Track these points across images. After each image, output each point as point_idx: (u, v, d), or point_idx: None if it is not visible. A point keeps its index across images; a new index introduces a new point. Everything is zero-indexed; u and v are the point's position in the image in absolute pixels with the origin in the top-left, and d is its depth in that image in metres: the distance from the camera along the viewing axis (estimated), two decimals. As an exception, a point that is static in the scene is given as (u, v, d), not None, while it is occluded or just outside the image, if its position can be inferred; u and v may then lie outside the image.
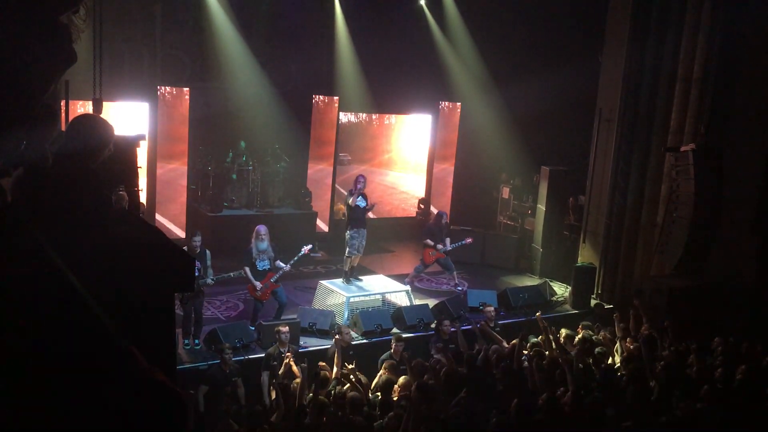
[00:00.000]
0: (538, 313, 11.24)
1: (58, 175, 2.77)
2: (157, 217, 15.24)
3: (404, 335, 10.82)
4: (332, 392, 8.22)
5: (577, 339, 10.22)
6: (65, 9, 1.11)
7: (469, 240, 14.46)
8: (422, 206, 19.14)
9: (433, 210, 18.62)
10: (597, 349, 9.77)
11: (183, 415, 1.29)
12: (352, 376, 8.78)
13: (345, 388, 8.38)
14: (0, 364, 1.01)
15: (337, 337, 9.93)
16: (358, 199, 12.73)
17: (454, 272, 14.42)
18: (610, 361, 9.73)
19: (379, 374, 9.05)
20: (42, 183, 2.43)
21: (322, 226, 17.34)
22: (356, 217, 12.82)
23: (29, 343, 1.01)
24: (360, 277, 12.97)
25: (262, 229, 11.48)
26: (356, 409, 7.52)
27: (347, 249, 12.77)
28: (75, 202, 2.82)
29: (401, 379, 8.47)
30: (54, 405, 1.01)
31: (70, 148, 3.19)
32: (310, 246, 12.02)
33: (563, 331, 10.61)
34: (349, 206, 12.90)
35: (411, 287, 13.41)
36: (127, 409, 1.10)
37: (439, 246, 14.09)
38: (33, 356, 1.01)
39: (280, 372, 9.24)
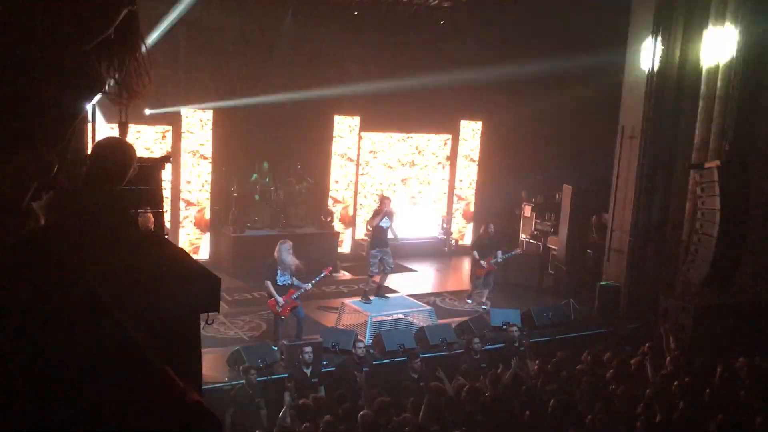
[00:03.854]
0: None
1: (85, 197, 2.80)
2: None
3: (426, 355, 10.80)
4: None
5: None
6: (93, 37, 1.13)
7: (518, 250, 14.69)
8: (445, 225, 19.09)
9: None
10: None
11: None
12: None
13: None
14: (33, 386, 1.01)
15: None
16: (383, 220, 12.68)
17: (487, 291, 14.32)
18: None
19: None
20: (69, 206, 2.46)
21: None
22: (379, 237, 12.80)
23: (63, 364, 1.02)
24: (386, 295, 12.97)
25: (286, 244, 11.48)
26: None
27: (370, 268, 12.79)
28: (101, 223, 2.86)
29: None
30: (89, 428, 1.02)
31: (95, 171, 3.23)
32: (330, 268, 12.03)
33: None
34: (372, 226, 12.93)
35: (478, 304, 14.00)
36: (165, 430, 1.10)
37: (483, 263, 14.08)
38: (68, 378, 1.02)
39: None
